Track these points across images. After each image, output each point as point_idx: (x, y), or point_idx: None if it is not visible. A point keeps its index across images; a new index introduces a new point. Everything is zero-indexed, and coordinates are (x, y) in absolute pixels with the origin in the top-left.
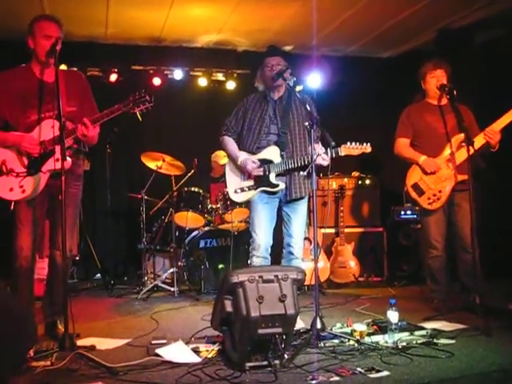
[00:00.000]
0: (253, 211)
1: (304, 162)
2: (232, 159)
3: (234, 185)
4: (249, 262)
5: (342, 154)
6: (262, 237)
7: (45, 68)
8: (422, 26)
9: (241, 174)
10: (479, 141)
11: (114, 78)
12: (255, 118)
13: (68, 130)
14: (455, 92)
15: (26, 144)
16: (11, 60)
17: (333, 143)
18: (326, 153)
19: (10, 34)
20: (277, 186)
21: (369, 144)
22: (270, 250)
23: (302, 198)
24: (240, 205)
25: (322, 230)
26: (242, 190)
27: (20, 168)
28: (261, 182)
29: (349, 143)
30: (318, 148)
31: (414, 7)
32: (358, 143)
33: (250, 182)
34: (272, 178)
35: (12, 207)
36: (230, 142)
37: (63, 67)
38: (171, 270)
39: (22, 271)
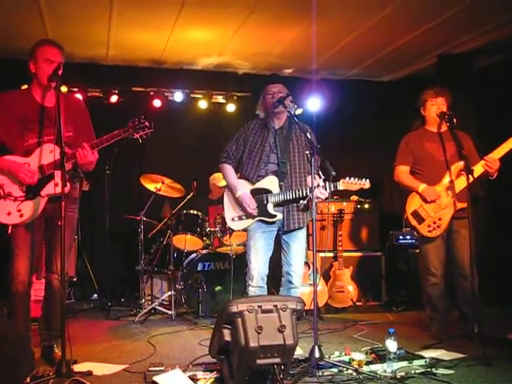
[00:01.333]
0: (250, 240)
1: (302, 193)
2: (230, 189)
3: (232, 213)
4: (246, 291)
5: (341, 189)
6: (258, 266)
7: (46, 92)
8: (422, 51)
9: (238, 204)
10: (478, 169)
11: (114, 99)
12: (255, 145)
13: (67, 156)
14: (455, 120)
15: (23, 175)
16: (12, 80)
17: (333, 173)
18: (325, 186)
19: (11, 55)
20: (274, 216)
21: (367, 180)
22: (265, 279)
23: (300, 228)
24: None
25: (321, 254)
26: (240, 218)
27: (18, 192)
28: (259, 211)
29: (347, 178)
30: (318, 180)
31: (415, 32)
32: (356, 179)
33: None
34: (270, 208)
35: (9, 231)
36: (229, 171)
37: (63, 89)
38: (169, 292)
39: (18, 296)
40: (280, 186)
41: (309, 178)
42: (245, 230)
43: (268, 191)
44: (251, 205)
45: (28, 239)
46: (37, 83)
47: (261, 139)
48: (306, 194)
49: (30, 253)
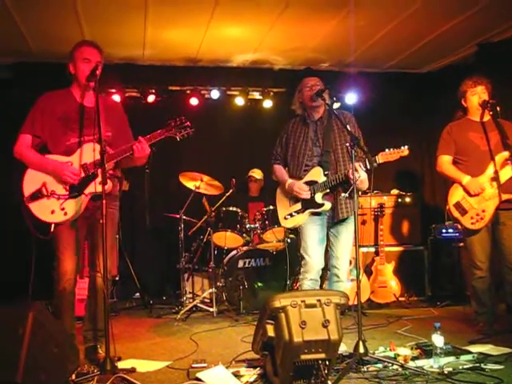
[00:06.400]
0: (304, 234)
1: (345, 177)
2: (281, 185)
3: (284, 211)
4: (299, 284)
5: (380, 162)
6: (315, 259)
7: (85, 92)
8: (461, 40)
9: (289, 200)
10: None
11: (151, 98)
12: (297, 142)
13: (113, 152)
14: (498, 108)
15: (66, 175)
16: (53, 82)
17: (375, 164)
18: (367, 168)
19: (51, 59)
20: (322, 205)
21: (406, 146)
22: (321, 272)
23: (348, 218)
24: (279, 224)
25: (362, 249)
26: (291, 215)
27: (62, 191)
28: (307, 204)
29: (386, 149)
30: (361, 171)
31: (453, 21)
32: (394, 148)
33: (298, 206)
34: (318, 198)
35: (52, 230)
36: (280, 170)
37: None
38: (210, 290)
39: (65, 294)
40: (325, 175)
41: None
42: (298, 227)
43: (314, 182)
44: (302, 189)
45: (72, 237)
46: (76, 84)
47: (302, 136)
48: (348, 176)
49: (74, 251)
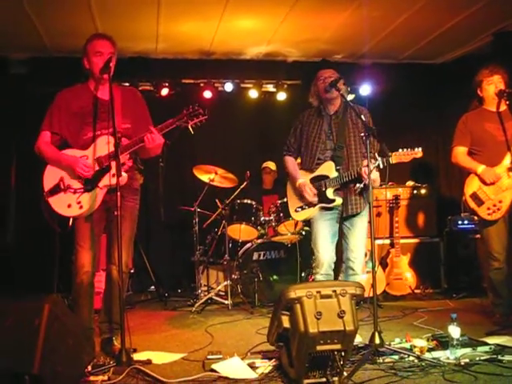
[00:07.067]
0: (314, 228)
1: (357, 173)
2: (291, 180)
3: (295, 204)
4: (313, 277)
5: (393, 162)
6: (325, 254)
7: (100, 85)
8: (476, 29)
9: (299, 193)
10: None
11: (165, 92)
12: (311, 134)
13: (126, 144)
14: None
15: (79, 168)
16: (68, 77)
17: (389, 154)
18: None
19: (65, 54)
20: (334, 201)
21: (420, 148)
22: (333, 265)
23: (358, 213)
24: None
25: (377, 242)
26: (302, 208)
27: (77, 184)
28: (319, 198)
29: (400, 150)
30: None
31: (468, 11)
32: (408, 149)
33: None
34: (329, 193)
35: (71, 224)
36: (291, 163)
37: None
38: (225, 282)
39: (82, 287)
40: (337, 170)
41: (365, 162)
42: (308, 220)
43: (326, 177)
44: (311, 192)
45: (89, 231)
46: (92, 78)
47: (316, 128)
48: (361, 174)
49: (92, 244)
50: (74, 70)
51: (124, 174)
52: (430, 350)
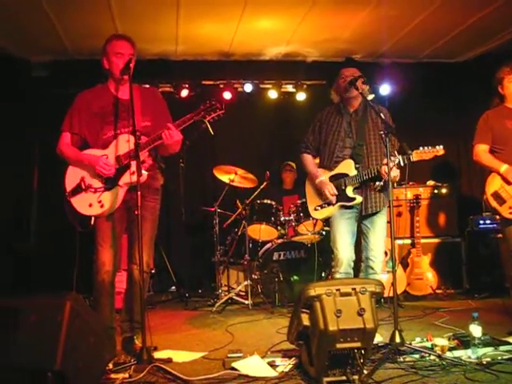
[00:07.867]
0: (333, 227)
1: (377, 171)
2: (310, 178)
3: (314, 202)
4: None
5: (414, 160)
6: (344, 252)
7: (119, 85)
8: (497, 27)
9: (319, 191)
10: None
11: (185, 93)
12: (330, 132)
13: (145, 142)
14: None
15: (99, 167)
16: (89, 79)
17: (410, 152)
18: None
19: (85, 56)
20: (354, 199)
21: (441, 146)
22: (352, 264)
23: (377, 212)
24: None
25: (398, 241)
26: (322, 206)
27: (98, 183)
28: (338, 196)
29: (421, 148)
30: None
31: (488, 8)
32: (430, 147)
33: None
34: (349, 191)
35: (92, 223)
36: (309, 160)
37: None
38: (245, 282)
39: (103, 285)
40: (356, 169)
41: (385, 160)
42: (327, 218)
43: (345, 175)
44: (331, 191)
45: (110, 230)
46: (112, 78)
47: (335, 125)
48: (381, 172)
49: (112, 243)
50: (95, 73)
51: (144, 172)
52: (451, 349)
